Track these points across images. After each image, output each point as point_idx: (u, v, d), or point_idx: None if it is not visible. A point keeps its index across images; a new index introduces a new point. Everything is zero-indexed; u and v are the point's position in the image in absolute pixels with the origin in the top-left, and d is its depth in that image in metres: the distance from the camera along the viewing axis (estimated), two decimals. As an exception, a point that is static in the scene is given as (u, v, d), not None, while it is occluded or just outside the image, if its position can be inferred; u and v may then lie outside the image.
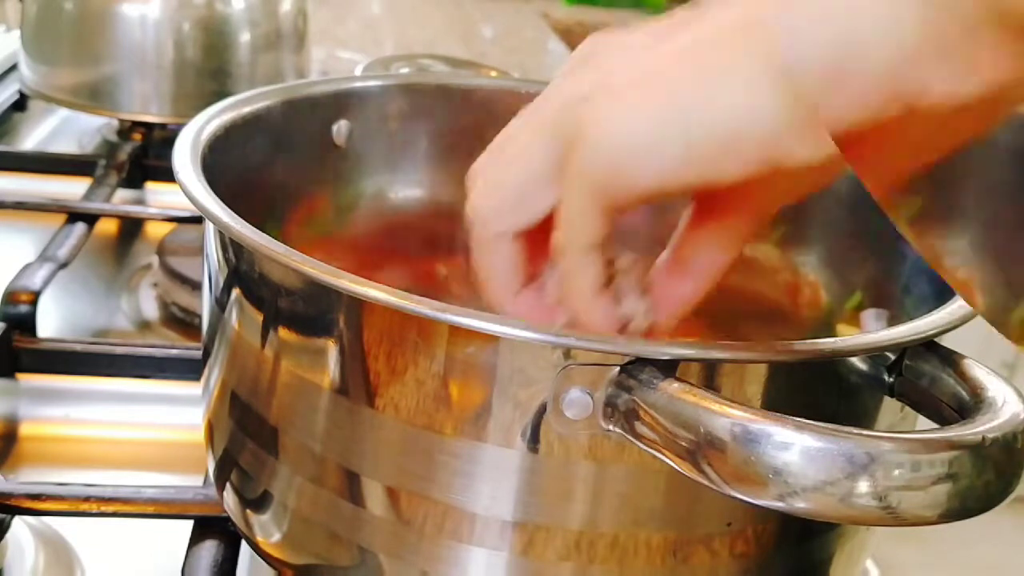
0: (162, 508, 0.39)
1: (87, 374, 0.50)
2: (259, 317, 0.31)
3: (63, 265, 0.55)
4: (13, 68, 0.84)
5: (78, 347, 0.50)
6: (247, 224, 0.30)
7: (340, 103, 0.43)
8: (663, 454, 0.25)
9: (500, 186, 0.29)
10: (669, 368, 0.26)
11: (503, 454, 0.28)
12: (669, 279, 0.31)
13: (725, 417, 0.24)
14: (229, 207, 0.31)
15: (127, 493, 0.39)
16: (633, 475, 0.28)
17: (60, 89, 0.77)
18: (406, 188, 0.46)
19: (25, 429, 0.49)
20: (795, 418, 0.24)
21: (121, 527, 0.41)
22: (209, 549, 0.37)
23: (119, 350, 0.50)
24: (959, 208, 0.29)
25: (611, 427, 0.27)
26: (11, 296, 0.51)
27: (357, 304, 0.29)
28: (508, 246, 0.29)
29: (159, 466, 0.47)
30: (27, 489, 0.39)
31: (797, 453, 0.23)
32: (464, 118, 0.46)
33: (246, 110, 0.39)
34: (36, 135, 0.84)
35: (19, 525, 0.40)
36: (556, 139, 0.27)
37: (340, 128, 0.43)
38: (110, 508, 0.38)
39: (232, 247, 0.32)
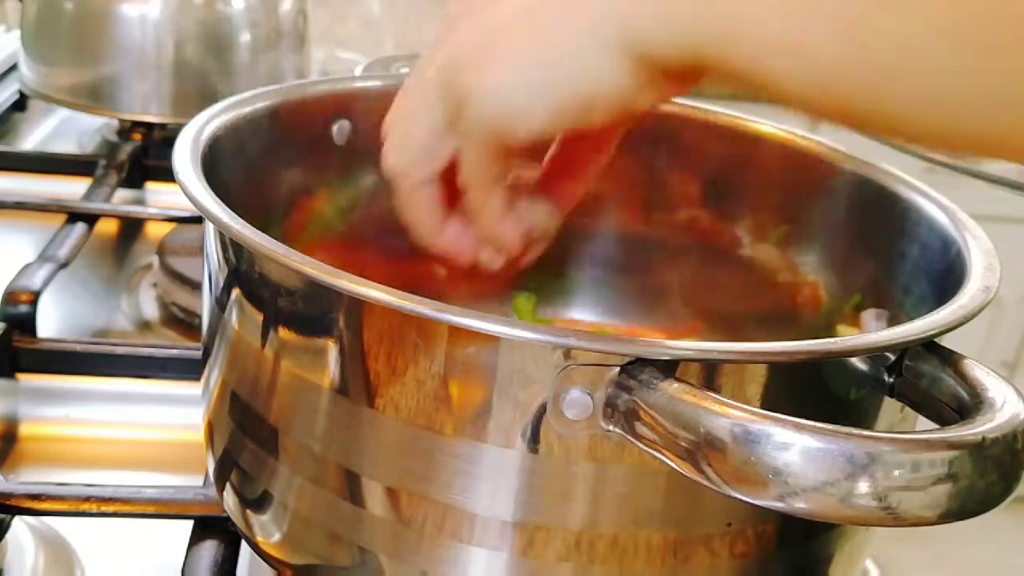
0: (162, 508, 0.39)
1: (87, 374, 0.50)
2: (259, 317, 0.31)
3: (63, 265, 0.55)
4: (13, 68, 0.84)
5: (78, 347, 0.50)
6: (247, 224, 0.30)
7: (340, 103, 0.43)
8: (663, 454, 0.25)
9: (407, 142, 0.33)
10: (669, 368, 0.26)
11: (503, 454, 0.28)
12: (559, 181, 0.36)
13: (725, 417, 0.24)
14: (229, 207, 0.31)
15: (127, 493, 0.39)
16: (633, 475, 0.28)
17: (60, 89, 0.77)
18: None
19: (25, 429, 0.49)
20: (795, 419, 0.24)
21: (121, 527, 0.41)
22: (209, 549, 0.37)
23: (119, 350, 0.50)
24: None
25: (611, 427, 0.27)
26: (11, 296, 0.51)
27: (357, 304, 0.29)
28: (426, 191, 0.34)
29: (159, 466, 0.47)
30: (27, 489, 0.39)
31: (797, 453, 0.23)
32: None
33: (246, 110, 0.39)
34: (36, 135, 0.83)
35: (19, 525, 0.40)
36: (445, 99, 0.31)
37: (340, 128, 0.43)
38: (110, 508, 0.38)
39: (232, 247, 0.32)
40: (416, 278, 0.46)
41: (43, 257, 0.55)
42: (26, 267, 0.53)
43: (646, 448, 0.26)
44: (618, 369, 0.26)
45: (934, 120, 0.23)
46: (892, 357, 0.29)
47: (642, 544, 0.29)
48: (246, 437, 0.33)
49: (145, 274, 0.62)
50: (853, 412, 0.30)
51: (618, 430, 0.26)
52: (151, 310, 0.59)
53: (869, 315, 0.39)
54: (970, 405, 0.26)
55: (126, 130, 0.79)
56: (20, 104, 0.84)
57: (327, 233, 0.44)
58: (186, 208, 0.60)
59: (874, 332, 0.31)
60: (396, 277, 0.45)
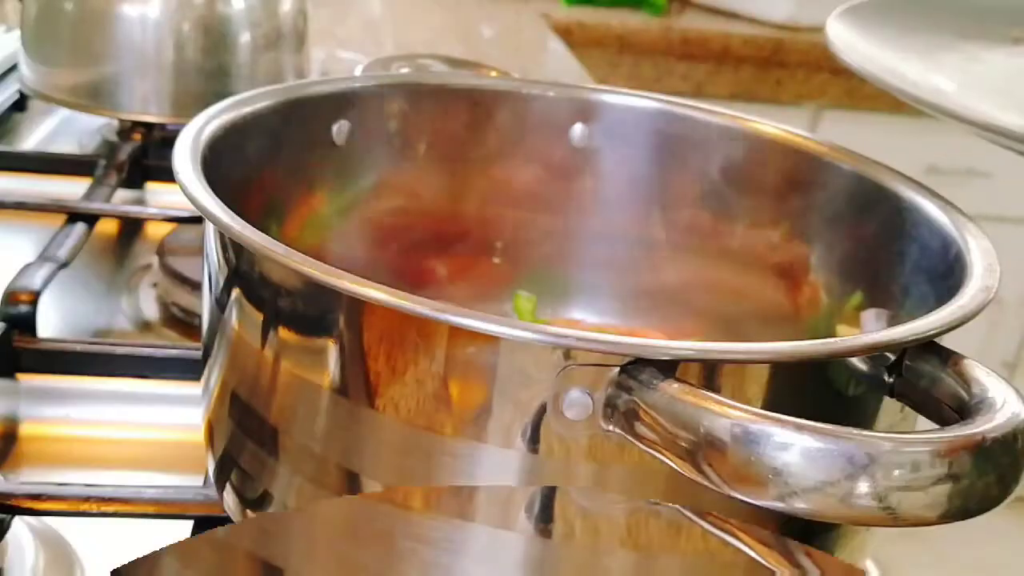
0: (162, 508, 0.39)
1: (87, 374, 0.50)
2: (259, 317, 0.31)
3: (63, 265, 0.55)
4: (13, 68, 0.84)
5: (78, 347, 0.50)
6: (247, 224, 0.30)
7: (340, 103, 0.43)
8: (663, 455, 0.25)
9: None
10: (669, 368, 0.26)
11: (503, 455, 0.28)
12: None
13: (725, 418, 0.24)
14: (229, 207, 0.31)
15: (127, 493, 0.39)
16: (633, 476, 0.28)
17: (60, 89, 0.77)
18: (406, 187, 0.46)
19: (25, 429, 0.49)
20: (795, 419, 0.24)
21: (121, 527, 0.41)
22: (209, 549, 0.37)
23: (119, 350, 0.50)
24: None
25: (611, 428, 0.27)
26: (11, 296, 0.51)
27: (357, 304, 0.29)
28: None
29: (159, 466, 0.47)
30: (27, 489, 0.39)
31: (797, 453, 0.23)
32: (464, 118, 0.46)
33: (246, 110, 0.39)
34: (36, 135, 0.83)
35: (19, 525, 0.40)
36: None
37: (340, 128, 0.43)
38: (110, 508, 0.38)
39: (232, 247, 0.32)
40: (416, 277, 0.46)
41: (43, 257, 0.55)
42: (26, 267, 0.53)
43: (646, 448, 0.26)
44: (618, 369, 0.26)
45: None
46: (892, 357, 0.29)
47: (642, 544, 0.29)
48: (246, 437, 0.33)
49: (145, 274, 0.62)
50: (853, 412, 0.30)
51: (618, 430, 0.26)
52: (151, 310, 0.59)
53: (869, 315, 0.39)
54: (970, 405, 0.26)
55: (126, 130, 0.79)
56: (20, 104, 0.84)
57: (327, 232, 0.44)
58: (186, 208, 0.60)
59: (874, 332, 0.31)
60: (396, 276, 0.45)
